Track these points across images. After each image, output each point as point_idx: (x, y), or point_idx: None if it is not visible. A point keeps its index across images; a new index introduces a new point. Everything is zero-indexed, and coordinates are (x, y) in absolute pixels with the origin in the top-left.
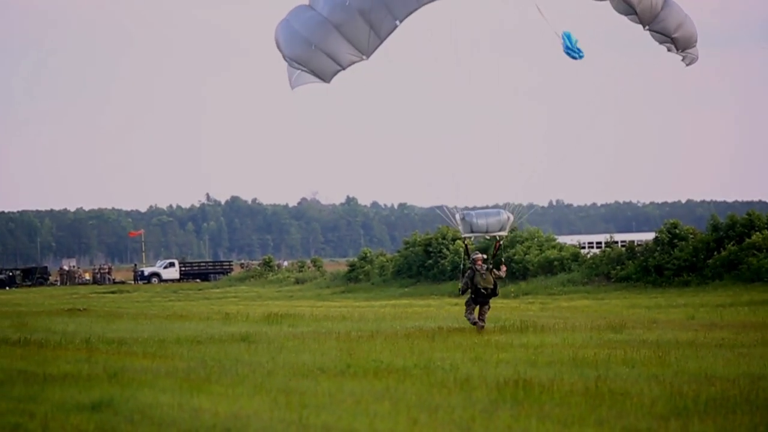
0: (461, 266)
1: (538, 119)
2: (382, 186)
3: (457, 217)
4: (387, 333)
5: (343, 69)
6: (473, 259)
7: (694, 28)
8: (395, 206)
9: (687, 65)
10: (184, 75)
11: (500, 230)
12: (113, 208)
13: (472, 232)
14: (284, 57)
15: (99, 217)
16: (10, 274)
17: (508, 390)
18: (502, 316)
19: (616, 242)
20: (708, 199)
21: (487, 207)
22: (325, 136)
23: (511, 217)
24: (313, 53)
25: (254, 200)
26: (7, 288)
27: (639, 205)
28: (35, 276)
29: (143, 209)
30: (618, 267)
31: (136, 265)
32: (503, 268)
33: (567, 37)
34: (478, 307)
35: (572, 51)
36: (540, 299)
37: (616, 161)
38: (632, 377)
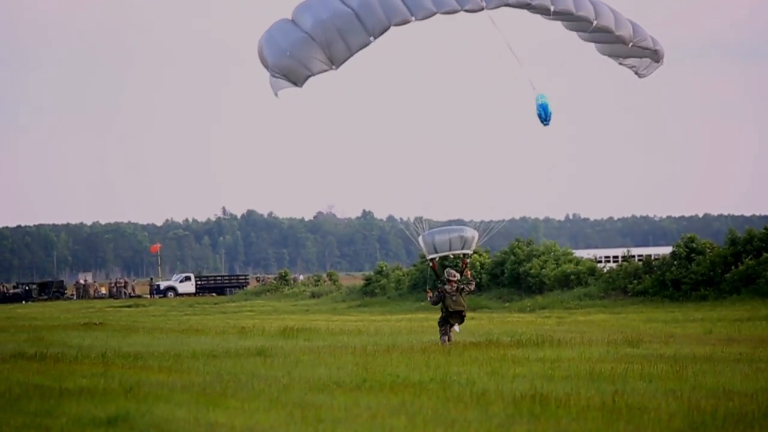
0: (431, 284)
1: (556, 134)
2: (398, 200)
3: (420, 240)
4: (403, 347)
5: (313, 74)
6: (446, 280)
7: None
8: (411, 220)
9: (642, 77)
10: (200, 89)
11: (464, 247)
12: (129, 222)
13: (436, 252)
14: (267, 67)
15: (115, 231)
16: (27, 288)
17: (525, 404)
18: (519, 330)
19: (633, 256)
20: (725, 213)
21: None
22: (341, 149)
23: (476, 235)
24: (288, 59)
25: (270, 214)
26: (24, 302)
27: (656, 219)
28: (51, 290)
29: (159, 223)
30: (635, 281)
31: (152, 279)
32: (472, 283)
33: (543, 107)
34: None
35: (544, 118)
36: (556, 313)
37: (632, 175)
38: (649, 392)
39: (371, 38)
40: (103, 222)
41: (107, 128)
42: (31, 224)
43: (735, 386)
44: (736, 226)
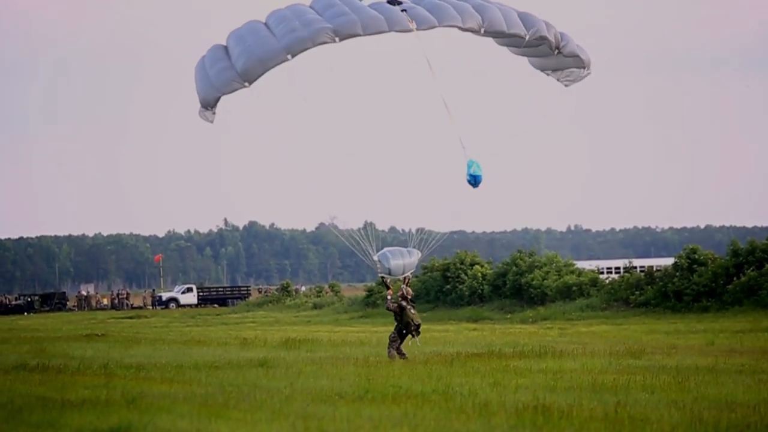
0: (388, 298)
1: (559, 146)
2: (399, 211)
3: (375, 258)
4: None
5: (225, 94)
6: (403, 295)
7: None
8: (413, 231)
9: (567, 86)
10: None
11: (411, 269)
12: (131, 234)
13: (390, 274)
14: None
15: (117, 242)
16: (29, 299)
17: (528, 415)
18: (521, 341)
19: (635, 267)
20: (727, 224)
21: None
22: (342, 161)
23: (420, 255)
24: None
25: (272, 225)
26: (26, 313)
27: (658, 230)
28: (53, 301)
29: (161, 234)
30: (637, 292)
31: (154, 290)
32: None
33: (473, 177)
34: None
35: (473, 182)
36: (558, 324)
37: (635, 187)
38: (652, 403)
39: (289, 56)
40: (105, 233)
41: (110, 140)
42: (33, 236)
43: (737, 397)
44: (738, 237)
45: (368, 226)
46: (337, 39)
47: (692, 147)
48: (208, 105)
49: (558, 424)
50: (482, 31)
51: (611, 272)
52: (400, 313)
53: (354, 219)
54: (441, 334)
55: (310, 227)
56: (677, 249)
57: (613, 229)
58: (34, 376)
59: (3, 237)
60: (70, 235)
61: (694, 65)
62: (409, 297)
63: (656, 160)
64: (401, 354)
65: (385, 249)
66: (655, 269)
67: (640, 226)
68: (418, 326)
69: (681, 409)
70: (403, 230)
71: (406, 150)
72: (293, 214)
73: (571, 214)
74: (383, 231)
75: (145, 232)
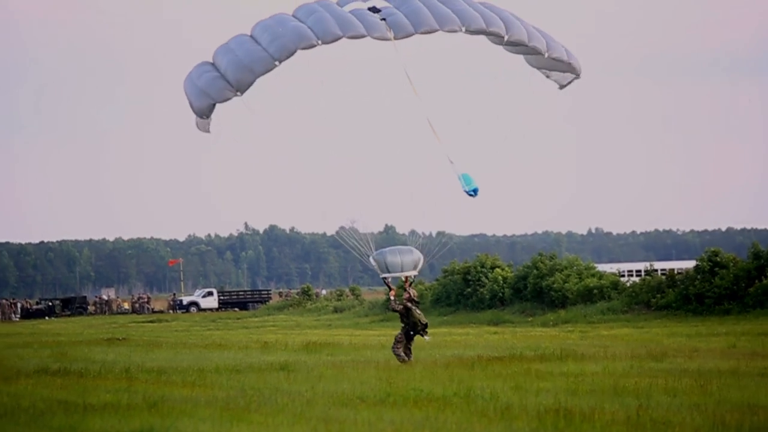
0: (391, 298)
1: (579, 149)
2: (420, 214)
3: (371, 260)
4: (426, 362)
5: (218, 102)
6: (409, 297)
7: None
8: (433, 234)
9: (561, 88)
10: (223, 104)
11: (413, 269)
12: (152, 238)
13: (388, 271)
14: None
15: (138, 246)
16: (50, 303)
17: (549, 419)
18: (542, 344)
19: (656, 270)
20: (749, 226)
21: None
22: (362, 164)
23: (422, 258)
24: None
25: (292, 229)
26: (47, 318)
27: (679, 233)
28: (74, 306)
29: (182, 238)
30: (658, 295)
31: (174, 294)
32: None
33: (472, 191)
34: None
35: (469, 191)
36: (579, 327)
37: (655, 189)
38: (674, 406)
39: (277, 62)
40: (125, 238)
41: (131, 144)
42: (54, 240)
43: (760, 400)
44: (759, 239)
45: (388, 229)
46: (319, 42)
47: (714, 149)
48: (203, 114)
49: (580, 427)
50: (463, 30)
51: (632, 275)
52: (406, 314)
53: (374, 222)
54: (462, 337)
55: (331, 231)
56: (698, 252)
57: (633, 232)
58: (55, 380)
59: (24, 241)
60: (90, 240)
61: (721, 64)
62: (415, 298)
63: (677, 163)
64: (408, 356)
65: (382, 249)
66: (676, 272)
67: (660, 229)
68: (425, 325)
69: (703, 412)
70: (423, 233)
71: (425, 154)
72: (313, 218)
73: (592, 216)
74: (380, 233)
75: (166, 237)
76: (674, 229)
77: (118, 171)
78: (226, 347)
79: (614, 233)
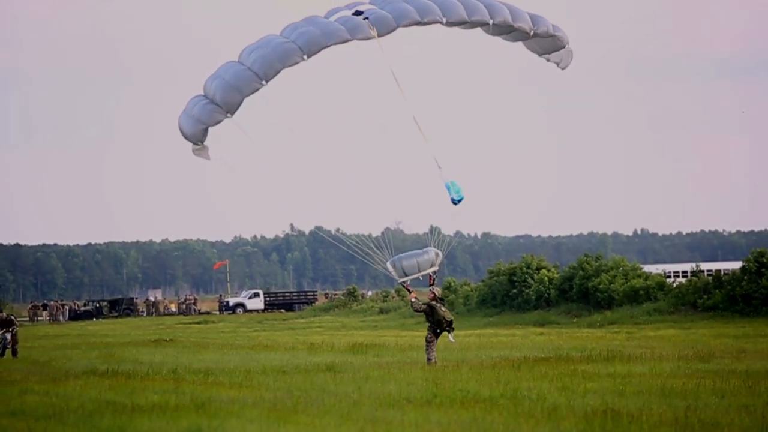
0: (412, 300)
1: (625, 150)
2: (464, 215)
3: (388, 266)
4: (472, 363)
5: (210, 125)
6: (434, 296)
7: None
8: (479, 235)
9: (563, 69)
10: (266, 104)
11: (431, 267)
12: (198, 239)
13: (405, 275)
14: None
15: (184, 248)
16: (97, 305)
17: (597, 420)
18: (588, 345)
19: (702, 271)
20: None
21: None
22: (407, 166)
23: (440, 253)
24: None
25: (338, 230)
26: (95, 319)
27: (725, 233)
28: (122, 307)
29: (228, 240)
30: (705, 296)
31: (221, 295)
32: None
33: (458, 200)
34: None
35: (455, 198)
36: (626, 328)
37: (701, 189)
38: (722, 407)
39: (263, 82)
40: (172, 239)
41: (176, 146)
42: (101, 242)
43: None
44: None
45: (433, 230)
46: (305, 57)
47: (760, 149)
48: (197, 140)
49: (628, 428)
50: (445, 21)
51: (678, 276)
52: (430, 313)
53: (419, 223)
54: (508, 338)
55: (376, 232)
56: (745, 253)
57: (679, 233)
58: (103, 381)
59: (71, 243)
60: (137, 241)
61: (756, 63)
62: (439, 296)
63: (724, 164)
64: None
65: (398, 255)
66: (722, 273)
67: (707, 230)
68: (451, 322)
69: (752, 413)
70: (468, 234)
71: (471, 156)
72: (358, 219)
73: (638, 217)
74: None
75: (212, 238)
76: (720, 229)
77: (165, 173)
78: (273, 348)
79: (660, 234)
